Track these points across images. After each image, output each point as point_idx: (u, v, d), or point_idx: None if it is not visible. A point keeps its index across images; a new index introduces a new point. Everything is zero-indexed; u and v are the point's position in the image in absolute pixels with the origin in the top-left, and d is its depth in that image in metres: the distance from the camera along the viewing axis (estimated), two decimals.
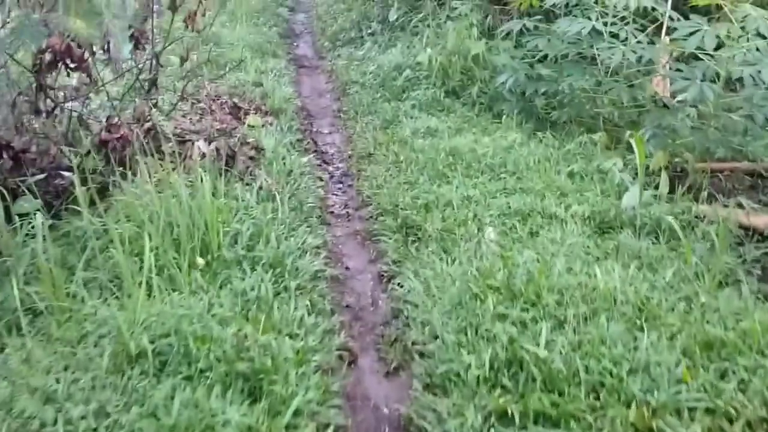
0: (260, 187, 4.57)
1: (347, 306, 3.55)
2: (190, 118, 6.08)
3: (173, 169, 4.65)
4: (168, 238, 3.50)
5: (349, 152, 5.90)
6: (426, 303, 3.27)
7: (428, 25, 7.89)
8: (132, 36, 4.80)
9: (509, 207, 4.31)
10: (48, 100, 4.64)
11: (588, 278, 3.22)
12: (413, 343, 3.08)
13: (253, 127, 6.06)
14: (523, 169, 4.93)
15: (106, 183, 4.05)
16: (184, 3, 5.08)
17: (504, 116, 6.16)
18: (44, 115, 4.70)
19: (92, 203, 4.07)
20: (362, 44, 8.62)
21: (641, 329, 2.90)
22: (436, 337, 3.02)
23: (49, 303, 3.13)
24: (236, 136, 5.62)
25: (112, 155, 4.21)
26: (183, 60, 5.45)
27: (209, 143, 4.76)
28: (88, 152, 4.18)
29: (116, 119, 4.46)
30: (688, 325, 2.94)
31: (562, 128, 5.74)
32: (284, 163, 5.16)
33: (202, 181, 3.76)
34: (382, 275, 3.82)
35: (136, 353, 2.71)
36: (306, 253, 3.83)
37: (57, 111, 4.73)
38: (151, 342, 2.75)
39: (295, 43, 9.72)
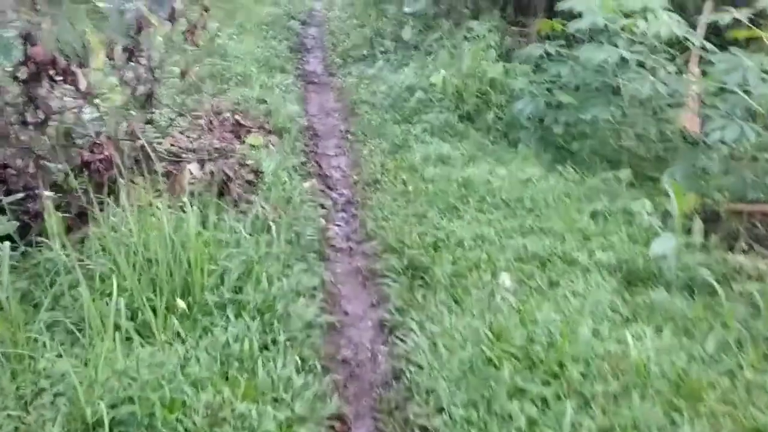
0: (256, 216, 4.18)
1: (343, 360, 3.14)
2: (188, 135, 5.71)
3: (159, 196, 4.28)
4: (146, 276, 3.12)
5: (355, 177, 5.51)
6: (432, 365, 2.87)
7: (443, 46, 7.53)
8: (126, 48, 4.44)
9: (526, 250, 3.91)
10: (37, 111, 4.28)
11: (617, 345, 2.80)
12: (415, 415, 2.67)
13: (254, 146, 5.69)
14: (542, 205, 4.53)
15: (85, 209, 3.65)
16: (185, 14, 4.72)
17: (521, 144, 5.78)
18: (31, 127, 4.33)
19: (69, 230, 3.71)
20: (374, 62, 8.25)
21: (679, 411, 2.49)
22: (442, 410, 2.61)
23: (5, 349, 2.74)
24: (234, 157, 5.26)
25: (94, 177, 3.83)
26: (183, 74, 5.08)
27: (203, 166, 4.38)
28: (68, 173, 3.80)
29: (102, 138, 4.08)
30: (733, 408, 2.52)
31: (583, 161, 5.35)
32: (284, 189, 4.78)
33: (189, 210, 3.36)
34: (384, 324, 3.42)
35: (92, 421, 2.31)
36: (300, 296, 3.43)
37: (48, 123, 4.37)
38: (112, 407, 2.35)
39: (304, 58, 9.36)
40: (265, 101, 6.60)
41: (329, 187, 5.38)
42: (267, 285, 3.32)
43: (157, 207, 3.36)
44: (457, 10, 8.04)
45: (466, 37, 7.42)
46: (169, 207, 4.07)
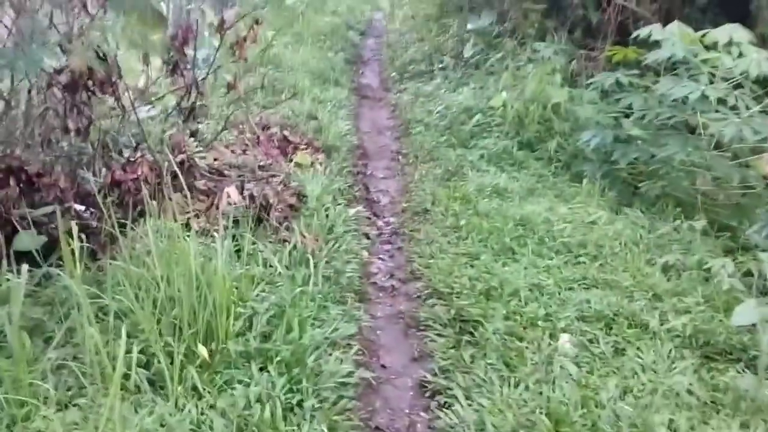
0: (294, 247, 3.86)
1: (377, 429, 2.77)
2: (233, 150, 5.45)
3: (196, 216, 4.01)
4: (166, 318, 2.81)
5: (404, 205, 5.16)
6: None
7: (506, 66, 7.12)
8: (169, 60, 4.18)
9: (589, 306, 3.49)
10: (80, 117, 4.05)
11: None
12: None
13: (300, 165, 5.40)
14: (607, 253, 4.10)
15: (112, 233, 3.38)
16: (235, 26, 4.44)
17: (584, 179, 5.32)
18: (74, 133, 4.11)
19: (95, 255, 3.45)
20: (432, 79, 7.91)
21: None
22: None
23: (5, 393, 2.46)
24: (279, 176, 4.97)
25: (125, 198, 3.56)
26: (230, 87, 4.81)
27: (243, 188, 4.08)
28: (97, 192, 3.54)
29: (139, 152, 3.81)
30: None
31: (652, 203, 4.88)
32: (327, 215, 4.45)
33: (219, 245, 3.05)
34: (425, 386, 3.04)
35: None
36: (334, 346, 3.08)
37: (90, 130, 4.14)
38: None
39: (360, 71, 9.08)
40: (316, 117, 6.29)
41: (375, 214, 5.04)
42: (299, 332, 2.98)
43: (185, 237, 3.05)
44: (522, 30, 7.62)
45: (530, 59, 7.01)
46: (203, 233, 3.81)
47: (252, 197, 4.14)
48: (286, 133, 5.91)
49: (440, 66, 8.11)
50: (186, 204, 4.41)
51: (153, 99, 4.89)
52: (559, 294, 3.64)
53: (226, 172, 4.99)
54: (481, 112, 6.50)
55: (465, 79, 7.47)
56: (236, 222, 3.93)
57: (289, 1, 10.53)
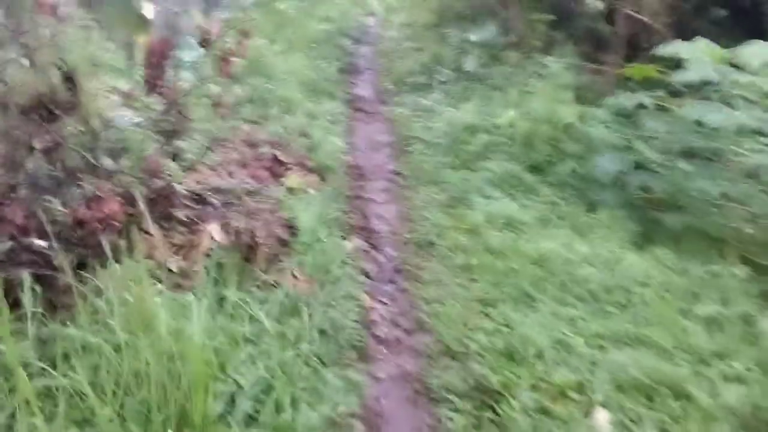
0: (285, 294, 3.36)
1: None
2: (219, 172, 4.94)
3: (176, 252, 3.51)
4: (132, 399, 2.30)
5: (405, 235, 4.67)
6: None
7: (511, 82, 6.65)
8: (147, 77, 3.68)
9: (625, 371, 3.02)
10: (48, 136, 3.54)
11: None
12: None
13: (292, 189, 4.89)
14: (637, 301, 3.63)
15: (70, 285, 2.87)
16: (220, 39, 3.94)
17: (601, 209, 4.86)
18: (40, 154, 3.61)
19: (54, 308, 2.93)
20: (430, 92, 7.40)
21: None
22: None
23: None
24: (268, 202, 4.48)
25: (90, 239, 3.05)
26: (215, 105, 4.31)
27: (227, 225, 3.57)
28: (54, 238, 3.03)
29: (107, 186, 3.30)
30: None
31: (679, 239, 4.42)
32: (322, 251, 3.96)
33: (195, 307, 2.54)
34: None
35: None
36: (333, 426, 2.58)
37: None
38: None
39: (354, 81, 8.57)
40: (308, 135, 5.79)
41: (375, 247, 4.54)
42: (291, 412, 2.48)
43: (157, 282, 2.55)
44: (527, 42, 7.16)
45: (539, 74, 6.54)
46: (180, 275, 3.30)
47: (238, 233, 3.63)
48: (276, 152, 5.41)
49: (440, 79, 7.61)
50: (162, 238, 3.93)
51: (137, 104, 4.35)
52: (589, 354, 3.16)
53: (209, 198, 4.50)
54: (486, 131, 6.02)
55: (467, 94, 6.98)
56: (220, 264, 3.43)
57: (280, 5, 10.03)
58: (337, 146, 5.88)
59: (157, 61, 3.61)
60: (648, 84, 5.55)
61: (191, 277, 3.44)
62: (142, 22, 4.25)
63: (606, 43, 7.06)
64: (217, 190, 4.63)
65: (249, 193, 4.70)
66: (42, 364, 2.34)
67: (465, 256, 4.19)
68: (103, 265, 2.91)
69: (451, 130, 6.21)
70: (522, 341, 3.21)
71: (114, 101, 5.12)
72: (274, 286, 3.48)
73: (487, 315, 3.52)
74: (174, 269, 3.55)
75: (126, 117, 4.91)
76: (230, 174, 4.97)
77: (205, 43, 3.84)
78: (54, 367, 2.43)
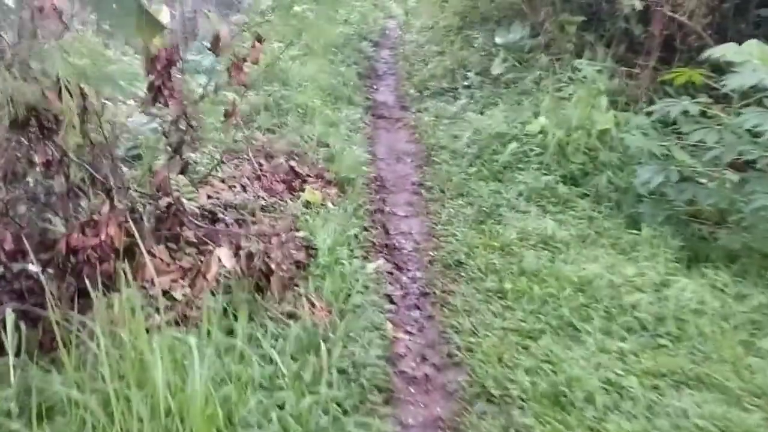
0: (302, 327, 3.02)
1: None
2: (232, 185, 4.63)
3: (172, 285, 3.19)
4: None
5: (431, 254, 4.32)
6: None
7: (541, 87, 6.27)
8: (151, 86, 3.36)
9: (687, 418, 2.64)
10: (49, 148, 3.24)
11: None
12: None
13: (309, 204, 4.57)
14: (693, 333, 3.25)
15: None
16: (232, 45, 3.61)
17: (643, 225, 4.48)
18: (39, 168, 3.31)
19: (41, 348, 2.61)
20: (455, 98, 7.06)
21: None
22: None
23: None
24: (284, 219, 4.16)
25: (84, 269, 2.72)
26: (228, 114, 3.98)
27: (238, 250, 3.23)
28: (47, 262, 2.72)
29: (106, 208, 2.97)
30: None
31: (732, 259, 4.03)
32: (342, 275, 3.61)
33: (195, 355, 2.21)
34: None
35: None
36: None
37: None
38: None
39: (375, 86, 8.24)
40: (327, 144, 5.45)
41: (398, 267, 4.19)
42: None
43: (153, 336, 2.21)
44: (558, 44, 6.77)
45: (570, 78, 6.15)
46: (186, 305, 2.98)
47: (249, 258, 3.29)
48: (293, 163, 5.09)
49: (465, 83, 7.25)
50: (169, 260, 3.62)
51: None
52: (645, 397, 2.78)
53: (221, 215, 4.19)
54: (516, 139, 5.65)
55: (494, 99, 6.62)
56: (229, 291, 3.10)
57: (298, 8, 9.71)
58: (357, 156, 5.55)
59: (162, 68, 3.28)
60: (687, 89, 5.19)
61: (197, 306, 3.11)
62: (156, 27, 3.95)
63: (640, 45, 6.66)
64: (229, 206, 4.33)
65: (263, 208, 4.39)
66: (19, 424, 2.01)
67: (497, 278, 3.83)
68: (99, 298, 2.59)
69: (479, 138, 5.85)
70: (568, 382, 2.84)
71: (131, 107, 4.85)
72: (290, 317, 3.14)
73: (526, 349, 3.16)
74: (179, 297, 3.23)
75: (143, 122, 4.64)
76: (244, 187, 4.66)
77: (215, 48, 3.50)
78: (39, 418, 2.12)
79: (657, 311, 3.40)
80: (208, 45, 3.60)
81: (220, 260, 3.05)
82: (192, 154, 4.90)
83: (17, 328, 2.37)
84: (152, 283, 3.32)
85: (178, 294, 3.25)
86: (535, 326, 3.32)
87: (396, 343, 3.33)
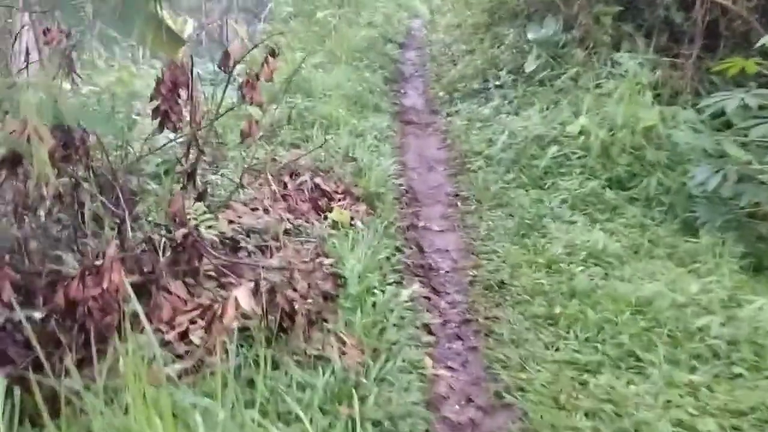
0: (331, 372, 2.71)
1: None
2: (254, 207, 4.35)
3: (189, 328, 2.92)
4: None
5: (470, 273, 3.99)
6: None
7: (579, 84, 5.88)
8: (157, 110, 3.08)
9: None
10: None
11: None
12: None
13: (337, 224, 4.26)
14: None
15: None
16: (246, 60, 3.33)
17: (702, 231, 4.10)
18: (50, 200, 3.08)
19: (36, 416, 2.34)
20: (488, 99, 6.70)
21: None
22: None
23: None
24: (310, 243, 3.88)
25: (87, 323, 2.45)
26: (245, 134, 3.70)
27: (257, 288, 2.93)
28: (45, 318, 2.45)
29: (111, 251, 2.69)
30: None
31: None
32: (374, 306, 3.30)
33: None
34: None
35: None
36: None
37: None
38: None
39: (402, 90, 7.93)
40: (354, 158, 5.15)
41: (436, 290, 3.87)
42: None
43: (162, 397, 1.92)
44: (593, 37, 6.36)
45: (610, 72, 5.76)
46: (199, 365, 2.70)
47: (272, 292, 2.99)
48: (318, 180, 4.79)
49: (496, 83, 6.89)
50: (187, 296, 3.35)
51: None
52: None
53: (243, 242, 3.91)
54: (556, 142, 5.29)
55: (529, 99, 6.25)
56: (249, 334, 2.81)
57: (320, 14, 9.46)
58: (386, 168, 5.22)
59: (168, 91, 3.01)
60: (735, 79, 4.79)
61: (215, 352, 2.82)
62: (176, 41, 3.70)
63: (682, 34, 6.24)
64: (251, 231, 4.04)
65: (287, 231, 4.10)
66: None
67: (546, 301, 3.48)
68: (101, 355, 2.31)
69: (515, 141, 5.51)
70: (636, 427, 2.48)
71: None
72: (318, 359, 2.83)
73: (584, 386, 2.81)
74: (197, 341, 2.95)
75: (161, 139, 4.37)
76: (266, 210, 4.37)
77: (224, 65, 3.22)
78: None
79: (729, 334, 3.03)
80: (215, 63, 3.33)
81: (238, 303, 2.75)
82: (212, 176, 4.69)
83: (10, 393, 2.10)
84: (170, 324, 3.07)
85: (195, 337, 2.97)
86: (592, 358, 2.96)
87: (437, 382, 3.01)
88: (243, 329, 2.83)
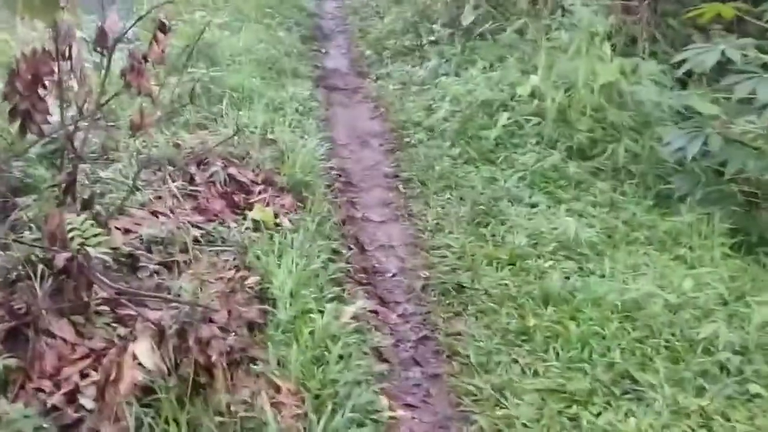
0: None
1: None
2: (156, 211, 3.80)
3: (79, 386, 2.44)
4: None
5: (422, 275, 3.59)
6: None
7: (526, 38, 5.51)
8: (14, 110, 2.51)
9: None
10: None
11: None
12: None
13: (259, 224, 3.78)
14: None
15: None
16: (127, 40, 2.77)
17: (681, 206, 3.83)
18: None
19: None
20: (423, 58, 6.31)
21: None
22: None
23: None
24: (226, 254, 3.41)
25: None
26: (135, 127, 3.15)
27: (162, 337, 2.43)
28: None
29: None
30: None
31: None
32: (311, 334, 2.86)
33: None
34: None
35: None
36: None
37: None
38: None
39: (323, 50, 7.42)
40: (274, 140, 4.64)
41: (383, 300, 3.47)
42: None
43: None
44: None
45: (560, 23, 5.40)
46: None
47: (182, 335, 2.50)
48: (232, 170, 4.27)
49: (431, 38, 6.51)
50: (75, 338, 2.84)
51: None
52: None
53: (143, 259, 3.38)
54: (505, 107, 4.95)
55: (469, 57, 5.87)
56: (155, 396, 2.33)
57: None
58: (313, 148, 4.72)
59: (26, 87, 2.44)
60: (695, 24, 4.57)
61: (113, 418, 2.34)
62: (50, 2, 3.10)
63: None
64: (153, 243, 3.52)
65: (198, 240, 3.59)
66: None
67: (515, 310, 3.13)
68: None
69: (458, 109, 5.12)
70: None
71: None
72: (246, 420, 2.38)
73: (575, 421, 2.47)
74: (89, 405, 2.45)
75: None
76: (171, 211, 3.84)
77: (101, 45, 2.67)
78: None
79: (737, 342, 2.73)
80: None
81: (136, 359, 2.26)
82: (102, 173, 4.11)
83: None
84: (54, 380, 2.57)
85: (87, 400, 2.48)
86: (580, 385, 2.61)
87: (395, 428, 2.60)
88: (147, 389, 2.35)
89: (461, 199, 4.21)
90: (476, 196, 4.16)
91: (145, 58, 2.70)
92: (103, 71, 2.88)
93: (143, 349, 2.30)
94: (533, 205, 4.01)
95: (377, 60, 6.83)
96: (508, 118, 4.78)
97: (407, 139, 5.12)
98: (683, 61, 4.07)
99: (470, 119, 4.95)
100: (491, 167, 4.48)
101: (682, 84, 4.91)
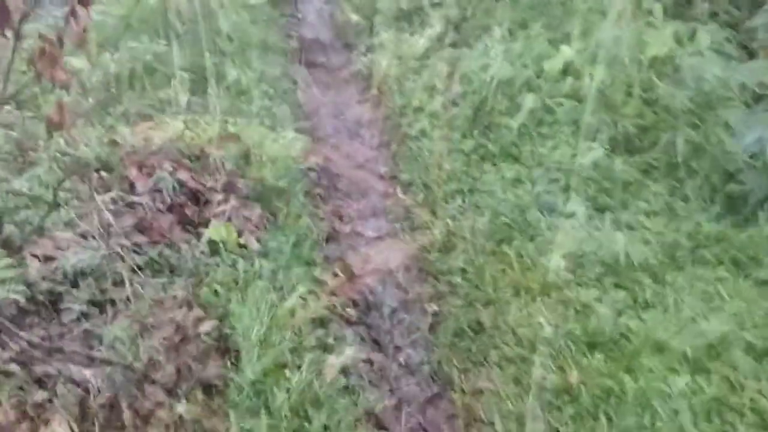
0: None
1: None
2: (83, 233, 3.63)
3: None
4: None
5: (430, 310, 3.46)
6: None
7: None
8: None
9: None
10: None
11: None
12: None
13: (218, 246, 3.63)
14: None
15: None
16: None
17: (758, 212, 3.73)
18: None
19: None
20: (422, 25, 6.26)
21: None
22: None
23: None
24: (176, 288, 3.25)
25: None
26: (51, 125, 2.98)
27: (82, 407, 2.24)
28: None
29: None
30: None
31: None
32: (289, 399, 2.68)
33: None
34: None
35: None
36: None
37: None
38: None
39: (299, 15, 7.35)
40: (237, 135, 4.48)
41: (379, 345, 3.30)
42: None
43: None
44: None
45: None
46: None
47: (113, 408, 2.31)
48: (183, 174, 4.11)
49: (434, 0, 6.36)
50: None
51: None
52: None
53: (67, 297, 3.22)
54: (530, 87, 4.86)
55: (483, 22, 5.80)
56: None
57: None
58: (287, 143, 4.59)
59: None
60: None
61: None
62: None
63: None
64: (80, 275, 3.35)
65: (137, 269, 3.42)
66: None
67: (553, 359, 2.93)
68: None
69: (471, 89, 5.03)
70: None
71: None
72: None
73: None
74: None
75: None
76: (104, 232, 3.65)
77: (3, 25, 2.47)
78: None
79: None
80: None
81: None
82: (16, 182, 3.94)
83: None
84: None
85: None
86: None
87: None
88: None
89: (477, 207, 4.13)
90: (496, 204, 4.07)
91: (60, 40, 2.49)
92: (9, 57, 2.67)
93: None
94: (569, 216, 3.85)
95: (367, 28, 6.81)
96: (535, 102, 4.67)
97: (406, 130, 5.05)
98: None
99: (486, 103, 4.84)
100: (514, 165, 4.41)
101: (750, 54, 4.79)
